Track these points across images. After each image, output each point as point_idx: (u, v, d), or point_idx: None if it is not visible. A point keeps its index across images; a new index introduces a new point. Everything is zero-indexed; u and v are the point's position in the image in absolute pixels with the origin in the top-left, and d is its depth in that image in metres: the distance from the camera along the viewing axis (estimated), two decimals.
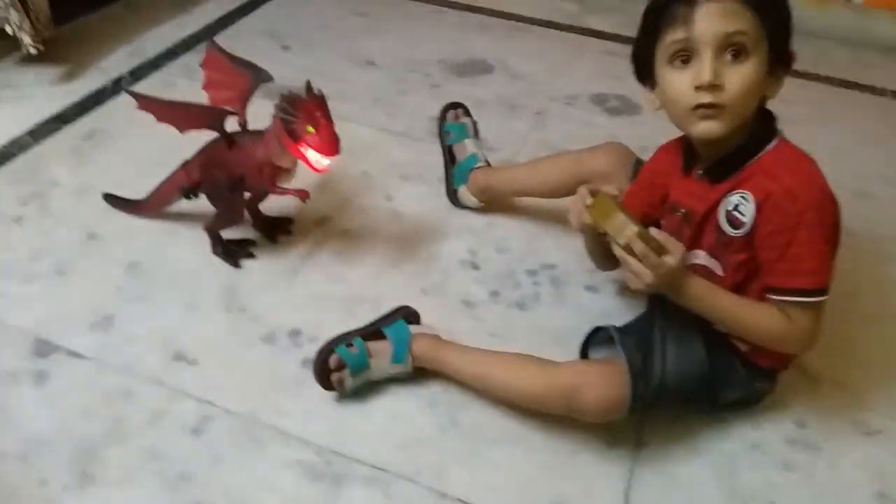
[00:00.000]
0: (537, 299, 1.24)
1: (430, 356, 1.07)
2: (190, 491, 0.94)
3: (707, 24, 0.85)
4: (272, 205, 1.29)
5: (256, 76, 1.16)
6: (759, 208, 0.90)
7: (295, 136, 1.05)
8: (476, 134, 1.47)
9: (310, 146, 1.05)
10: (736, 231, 0.93)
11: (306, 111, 1.03)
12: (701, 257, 1.00)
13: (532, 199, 1.39)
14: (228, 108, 1.16)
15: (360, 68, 1.84)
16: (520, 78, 1.85)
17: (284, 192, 1.16)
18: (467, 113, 1.50)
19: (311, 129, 1.03)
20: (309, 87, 1.05)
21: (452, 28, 2.06)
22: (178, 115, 1.14)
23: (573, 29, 2.11)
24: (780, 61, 0.90)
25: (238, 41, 1.90)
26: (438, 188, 1.45)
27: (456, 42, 1.98)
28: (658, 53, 0.92)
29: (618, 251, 0.91)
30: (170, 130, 1.15)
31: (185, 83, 1.71)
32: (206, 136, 1.18)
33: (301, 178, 1.19)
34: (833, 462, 1.02)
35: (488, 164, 1.40)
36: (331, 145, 1.04)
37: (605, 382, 0.97)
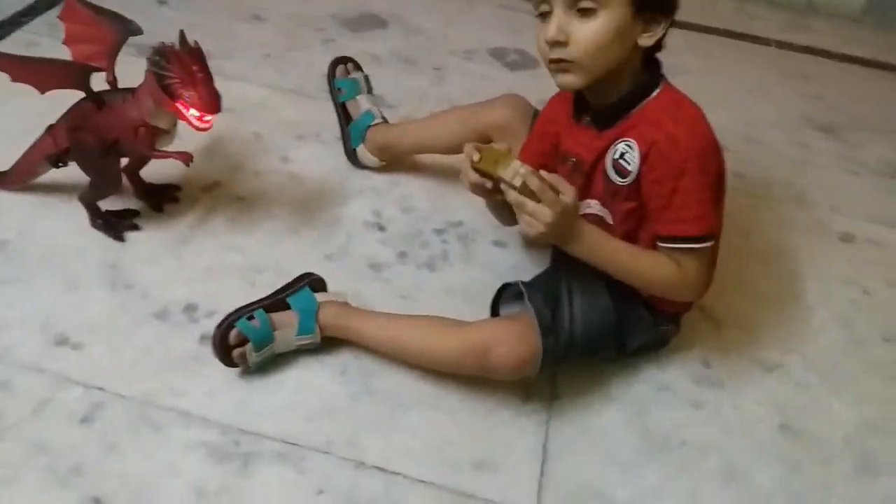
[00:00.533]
0: (446, 258, 1.22)
1: (338, 324, 1.02)
2: (83, 484, 0.86)
3: None
4: (154, 171, 1.19)
5: (124, 28, 1.05)
6: (644, 157, 0.90)
7: (171, 93, 0.96)
8: (370, 90, 1.40)
9: (188, 104, 0.96)
10: (623, 180, 0.93)
11: (181, 65, 0.94)
12: (593, 206, 1.00)
13: (435, 156, 1.35)
14: (94, 64, 1.05)
15: (246, 23, 1.73)
16: (416, 32, 1.79)
17: (164, 155, 1.06)
18: (358, 67, 1.42)
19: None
20: (183, 38, 0.95)
21: None
22: (37, 73, 1.02)
23: None
24: (646, 9, 0.88)
25: None
26: (336, 147, 1.39)
27: None
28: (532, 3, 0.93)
29: (512, 196, 0.87)
30: (30, 91, 1.03)
31: (48, 42, 1.54)
32: (72, 96, 1.07)
33: (187, 140, 1.10)
34: (737, 398, 1.06)
35: (385, 121, 1.35)
36: (211, 101, 0.95)
37: (515, 339, 0.96)
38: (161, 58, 0.95)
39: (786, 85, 1.81)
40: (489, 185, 0.92)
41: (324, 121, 1.43)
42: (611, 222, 0.99)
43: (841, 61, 1.97)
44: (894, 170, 1.56)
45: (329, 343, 1.03)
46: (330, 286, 1.10)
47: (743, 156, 1.52)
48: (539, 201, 0.86)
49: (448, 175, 1.36)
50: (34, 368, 0.97)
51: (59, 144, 1.09)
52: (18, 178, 1.18)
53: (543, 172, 0.88)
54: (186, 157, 1.04)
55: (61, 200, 1.19)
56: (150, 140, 1.05)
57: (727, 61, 1.88)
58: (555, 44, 0.88)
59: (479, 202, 1.24)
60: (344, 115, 1.37)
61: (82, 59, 1.06)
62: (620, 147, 0.93)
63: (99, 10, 1.08)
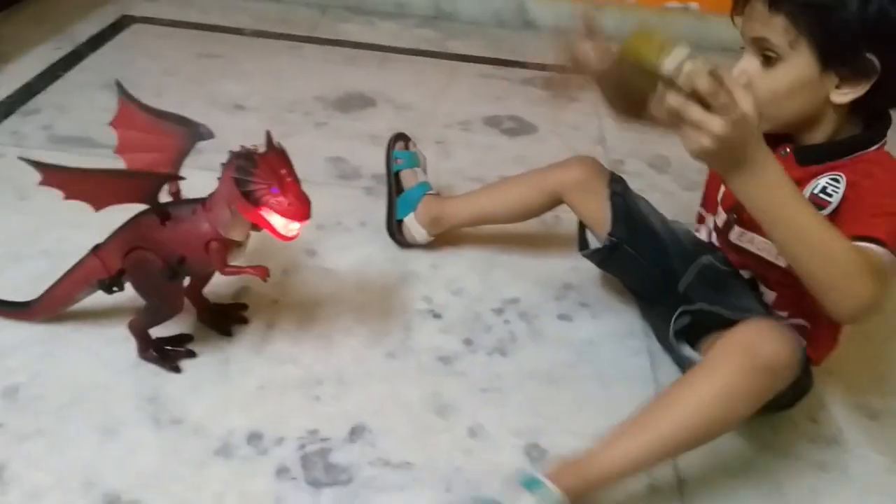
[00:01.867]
0: (514, 340, 1.11)
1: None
2: None
3: (745, 24, 0.86)
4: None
5: (191, 133, 0.92)
6: (850, 185, 0.84)
7: (254, 200, 0.84)
8: (425, 169, 1.31)
9: (274, 210, 0.84)
10: (820, 211, 0.82)
11: (268, 168, 0.83)
12: (757, 242, 0.93)
13: (469, 233, 1.27)
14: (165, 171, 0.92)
15: (228, 114, 1.61)
16: (406, 108, 1.72)
17: (239, 271, 0.92)
18: (415, 146, 1.35)
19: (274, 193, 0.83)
20: (269, 139, 0.84)
21: (318, 63, 1.89)
22: (98, 186, 0.88)
23: (440, 55, 2.02)
24: (837, 66, 0.82)
25: (70, 98, 1.60)
26: (362, 234, 1.28)
27: (327, 77, 1.81)
28: None
29: (672, 99, 0.69)
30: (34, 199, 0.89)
31: (14, 152, 1.38)
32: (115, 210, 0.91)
33: None
34: (859, 453, 0.99)
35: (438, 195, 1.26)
36: (301, 207, 0.84)
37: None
38: (245, 161, 0.83)
39: None
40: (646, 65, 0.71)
41: (340, 207, 1.32)
42: (780, 263, 0.90)
43: None
44: None
45: None
46: (400, 386, 0.99)
47: None
48: (709, 107, 0.68)
49: (487, 250, 1.28)
50: None
51: (111, 267, 0.94)
52: (51, 307, 1.02)
53: (716, 71, 0.69)
54: (264, 272, 0.91)
55: (71, 329, 1.02)
56: (224, 255, 0.91)
57: None
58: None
59: (529, 272, 1.20)
60: (396, 185, 1.26)
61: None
62: (824, 181, 0.86)
63: (160, 114, 0.94)
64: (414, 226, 1.22)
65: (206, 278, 1.02)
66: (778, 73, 0.84)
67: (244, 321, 1.08)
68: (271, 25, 2.08)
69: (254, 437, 0.92)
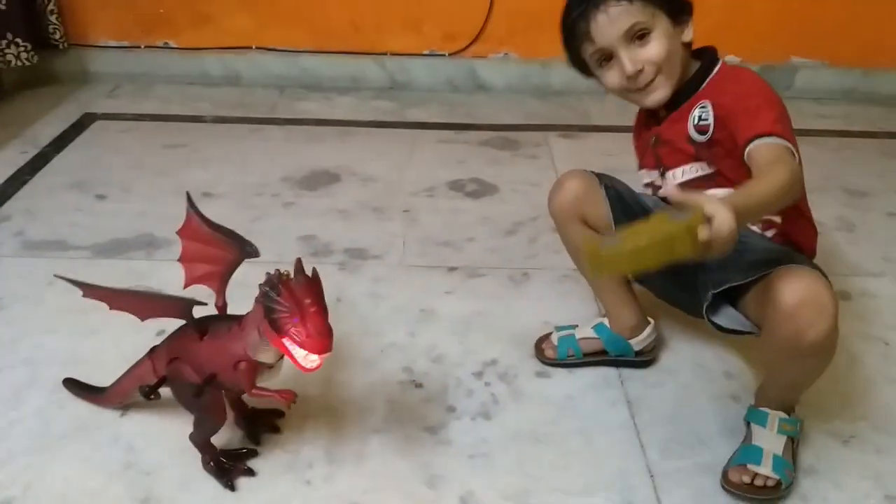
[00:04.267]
0: (497, 402, 1.14)
1: None
2: None
3: (605, 32, 1.02)
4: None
5: (241, 250, 0.94)
6: (716, 106, 1.02)
7: (278, 327, 0.84)
8: None
9: (295, 341, 0.83)
10: (704, 136, 1.03)
11: (292, 296, 0.82)
12: (696, 169, 1.07)
13: (440, 293, 1.31)
14: (206, 285, 0.96)
15: (197, 202, 1.64)
16: (371, 180, 1.78)
17: (265, 394, 0.92)
18: None
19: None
20: (299, 267, 0.84)
21: (280, 143, 1.95)
22: (137, 303, 0.93)
23: (399, 125, 2.10)
24: (676, 14, 1.04)
25: (40, 201, 1.63)
26: (337, 310, 1.28)
27: (291, 156, 1.86)
28: (587, 61, 1.08)
29: (686, 253, 0.79)
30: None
31: None
32: None
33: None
34: (836, 480, 1.02)
35: None
36: (319, 340, 0.82)
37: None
38: (272, 288, 0.83)
39: None
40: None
41: None
42: (711, 170, 1.06)
43: None
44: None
45: None
46: (388, 459, 1.00)
47: None
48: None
49: (462, 312, 1.32)
50: None
51: (158, 371, 0.97)
52: (115, 399, 1.08)
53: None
54: (290, 397, 0.90)
55: (59, 437, 1.03)
56: (252, 376, 0.91)
57: None
58: (636, 74, 1.03)
59: (504, 333, 1.25)
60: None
61: (195, 281, 0.97)
62: (696, 112, 1.05)
63: (217, 228, 0.97)
64: None
65: (241, 391, 1.00)
66: (655, 37, 1.03)
67: (276, 430, 1.07)
68: (231, 110, 2.14)
69: None
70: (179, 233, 0.99)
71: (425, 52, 2.30)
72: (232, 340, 0.90)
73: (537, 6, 2.26)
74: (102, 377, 1.08)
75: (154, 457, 1.01)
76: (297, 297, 0.82)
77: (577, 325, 1.23)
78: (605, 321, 1.21)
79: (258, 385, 0.92)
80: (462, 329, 1.29)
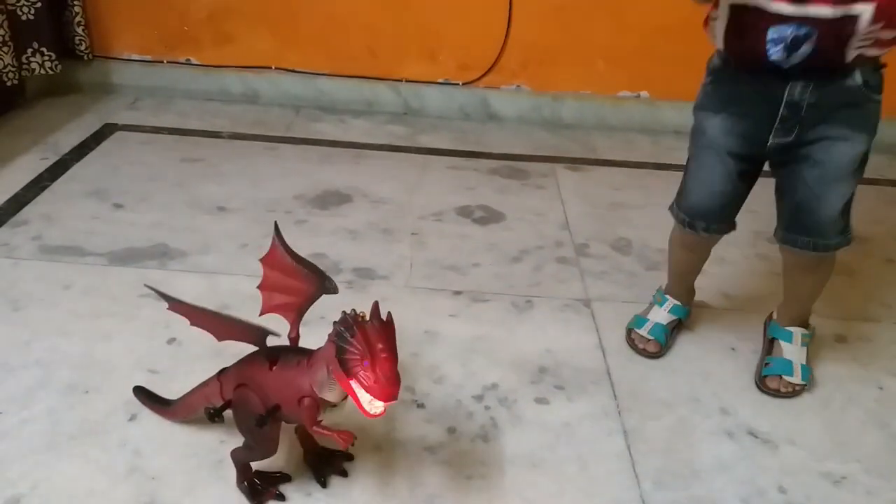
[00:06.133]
0: (496, 426, 1.16)
1: None
2: None
3: None
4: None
5: (320, 285, 0.96)
6: None
7: (347, 369, 0.83)
8: None
9: (362, 384, 0.83)
10: None
11: (364, 339, 0.81)
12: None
13: (445, 316, 1.33)
14: (282, 315, 0.98)
15: (211, 216, 1.69)
16: (382, 203, 1.82)
17: (325, 433, 0.90)
18: None
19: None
20: (375, 310, 0.84)
21: (295, 163, 1.99)
22: (216, 325, 0.96)
23: (411, 149, 2.14)
24: None
25: (58, 207, 1.67)
26: None
27: (304, 176, 1.91)
28: None
29: None
30: None
31: (5, 264, 1.44)
32: None
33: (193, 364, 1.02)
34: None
35: None
36: (387, 387, 0.81)
37: None
38: (346, 328, 0.83)
39: None
40: None
41: (322, 303, 1.35)
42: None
43: None
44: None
45: None
46: (387, 476, 1.02)
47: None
48: None
49: (464, 335, 1.35)
50: None
51: (224, 394, 0.98)
52: (181, 414, 1.10)
53: None
54: (348, 438, 0.89)
55: (68, 437, 1.06)
56: (314, 413, 0.90)
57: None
58: None
59: (506, 357, 1.28)
60: None
61: (271, 310, 0.98)
62: None
63: (299, 260, 0.98)
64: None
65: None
66: None
67: (343, 474, 1.05)
68: (247, 127, 2.19)
69: None
70: (263, 260, 1.00)
71: (440, 80, 2.36)
72: (300, 375, 0.90)
73: (550, 41, 2.34)
74: (114, 383, 1.10)
75: (160, 462, 1.04)
76: (370, 341, 0.81)
77: (646, 318, 1.37)
78: (669, 299, 1.37)
79: (320, 424, 0.91)
80: (464, 352, 1.31)
